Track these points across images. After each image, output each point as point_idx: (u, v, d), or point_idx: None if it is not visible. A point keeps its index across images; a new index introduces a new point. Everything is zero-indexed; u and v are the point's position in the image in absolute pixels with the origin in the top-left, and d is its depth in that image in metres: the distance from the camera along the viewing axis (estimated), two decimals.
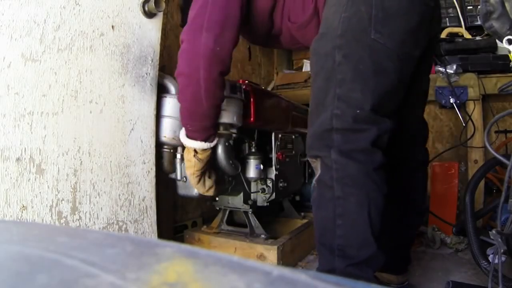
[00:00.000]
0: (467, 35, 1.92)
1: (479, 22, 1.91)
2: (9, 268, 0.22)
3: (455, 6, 2.00)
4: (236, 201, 1.34)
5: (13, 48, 0.75)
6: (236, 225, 1.42)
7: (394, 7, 0.82)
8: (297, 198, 1.79)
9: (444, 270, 1.30)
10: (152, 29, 1.09)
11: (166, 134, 1.12)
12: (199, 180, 1.10)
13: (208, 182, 1.12)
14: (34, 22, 0.79)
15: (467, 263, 1.35)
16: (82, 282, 0.19)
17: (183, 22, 1.13)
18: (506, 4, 0.75)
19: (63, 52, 0.85)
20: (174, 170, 1.20)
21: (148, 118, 1.08)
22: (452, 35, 1.92)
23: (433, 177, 1.76)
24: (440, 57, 1.82)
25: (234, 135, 1.30)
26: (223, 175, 1.23)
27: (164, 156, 1.17)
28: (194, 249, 0.24)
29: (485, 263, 1.03)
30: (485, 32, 1.82)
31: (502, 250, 0.83)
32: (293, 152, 1.60)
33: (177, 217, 1.58)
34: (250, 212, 1.34)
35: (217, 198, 1.38)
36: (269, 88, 2.36)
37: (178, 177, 1.19)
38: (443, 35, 1.93)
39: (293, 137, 1.61)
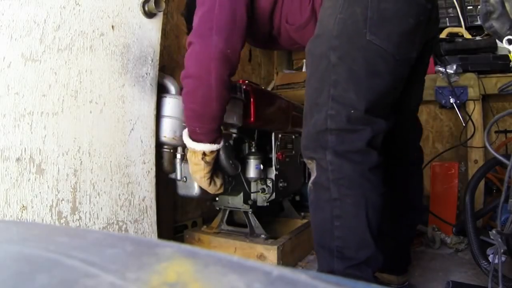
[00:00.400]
0: (467, 35, 1.92)
1: (479, 22, 1.91)
2: (9, 268, 0.22)
3: (455, 6, 2.00)
4: (236, 201, 1.34)
5: (13, 48, 0.75)
6: (236, 225, 1.42)
7: (390, 9, 0.82)
8: (297, 198, 1.79)
9: (444, 270, 1.30)
10: (152, 29, 1.09)
11: (166, 134, 1.12)
12: (210, 181, 1.10)
13: (218, 181, 1.13)
14: (34, 22, 0.79)
15: (467, 263, 1.35)
16: (82, 282, 0.19)
17: (189, 30, 1.15)
18: (506, 4, 0.75)
19: (63, 52, 0.85)
20: (174, 170, 1.20)
21: (148, 118, 1.08)
22: (452, 35, 1.91)
23: (433, 177, 1.76)
24: (440, 57, 1.82)
25: (234, 135, 1.30)
26: (223, 175, 1.23)
27: (164, 156, 1.17)
28: (194, 249, 0.24)
29: (485, 263, 1.03)
30: (485, 32, 1.82)
31: (502, 250, 0.83)
32: (293, 152, 1.60)
33: (177, 217, 1.58)
34: (250, 212, 1.34)
35: (217, 198, 1.38)
36: (269, 88, 2.36)
37: (178, 177, 1.19)
38: (443, 35, 1.93)
39: (293, 137, 1.61)
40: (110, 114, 0.97)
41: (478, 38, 1.87)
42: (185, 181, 1.19)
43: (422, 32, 0.90)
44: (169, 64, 1.54)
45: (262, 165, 1.34)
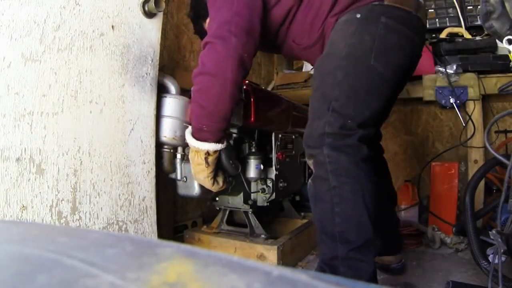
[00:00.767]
0: (467, 35, 1.92)
1: (479, 22, 1.91)
2: (9, 268, 0.22)
3: (455, 6, 2.00)
4: (236, 201, 1.34)
5: (13, 48, 0.75)
6: (236, 225, 1.42)
7: (394, 41, 0.96)
8: (297, 198, 1.79)
9: (444, 270, 1.30)
10: (152, 29, 1.09)
11: (166, 134, 1.12)
12: (214, 181, 1.10)
13: (221, 180, 1.13)
14: (34, 22, 0.79)
15: (467, 263, 1.35)
16: (82, 282, 0.19)
17: (196, 30, 1.29)
18: (506, 4, 0.75)
19: (63, 52, 0.85)
20: (174, 170, 1.20)
21: (148, 118, 1.08)
22: (452, 35, 1.91)
23: (433, 177, 1.76)
24: (440, 57, 1.82)
25: (234, 135, 1.30)
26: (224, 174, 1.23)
27: (164, 156, 1.17)
28: (194, 249, 0.24)
29: (485, 263, 1.03)
30: (485, 32, 1.81)
31: (502, 250, 0.83)
32: (293, 152, 1.60)
33: (177, 217, 1.58)
34: (250, 212, 1.34)
35: (217, 198, 1.38)
36: (269, 88, 2.36)
37: (178, 177, 1.19)
38: (443, 35, 1.93)
39: (293, 137, 1.61)
40: (110, 114, 0.97)
41: (478, 38, 1.87)
42: (185, 181, 1.18)
43: (413, 64, 1.10)
44: (169, 64, 1.54)
45: (262, 165, 1.34)
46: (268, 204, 1.38)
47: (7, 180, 0.74)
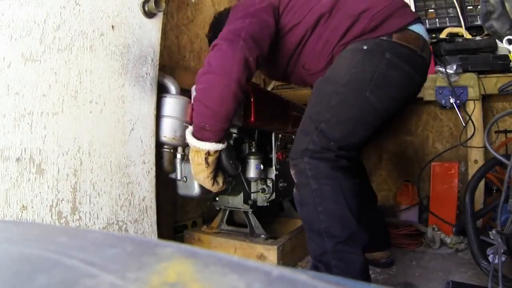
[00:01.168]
0: (467, 35, 1.92)
1: (479, 22, 1.91)
2: (9, 268, 0.22)
3: (455, 6, 2.00)
4: (236, 201, 1.34)
5: (13, 48, 0.75)
6: (236, 225, 1.42)
7: (393, 78, 1.00)
8: None
9: (444, 270, 1.30)
10: (152, 29, 1.09)
11: (166, 134, 1.12)
12: (214, 181, 1.10)
13: (221, 180, 1.14)
14: (34, 22, 0.79)
15: (467, 263, 1.35)
16: (82, 282, 0.19)
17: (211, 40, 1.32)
18: (506, 4, 0.75)
19: (63, 52, 0.85)
20: (174, 170, 1.19)
21: (148, 118, 1.08)
22: (452, 35, 1.91)
23: (433, 177, 1.76)
24: (440, 57, 1.82)
25: (234, 135, 1.30)
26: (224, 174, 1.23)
27: (164, 156, 1.17)
28: (194, 249, 0.24)
29: (485, 263, 1.03)
30: (485, 32, 1.81)
31: (502, 250, 0.83)
32: None
33: (177, 217, 1.58)
34: (250, 212, 1.34)
35: (217, 198, 1.38)
36: (269, 88, 2.36)
37: (178, 177, 1.19)
38: (443, 35, 1.93)
39: (293, 137, 1.60)
40: (110, 114, 0.97)
41: (478, 38, 1.86)
42: (185, 181, 1.18)
43: (409, 100, 1.14)
44: (169, 64, 1.54)
45: (262, 165, 1.34)
46: (268, 204, 1.38)
47: (7, 180, 0.74)
